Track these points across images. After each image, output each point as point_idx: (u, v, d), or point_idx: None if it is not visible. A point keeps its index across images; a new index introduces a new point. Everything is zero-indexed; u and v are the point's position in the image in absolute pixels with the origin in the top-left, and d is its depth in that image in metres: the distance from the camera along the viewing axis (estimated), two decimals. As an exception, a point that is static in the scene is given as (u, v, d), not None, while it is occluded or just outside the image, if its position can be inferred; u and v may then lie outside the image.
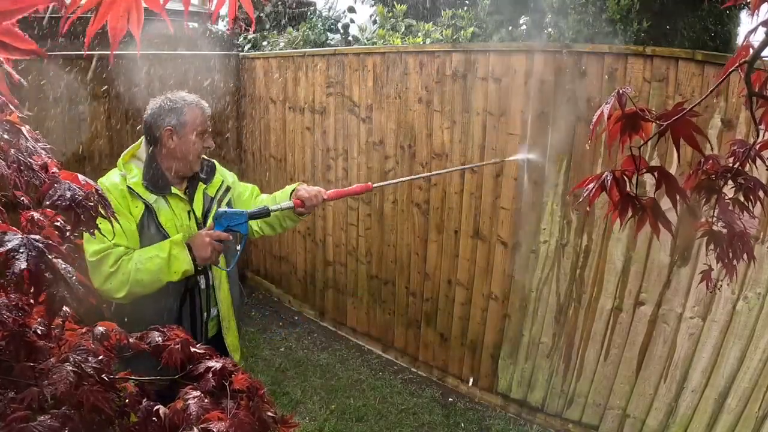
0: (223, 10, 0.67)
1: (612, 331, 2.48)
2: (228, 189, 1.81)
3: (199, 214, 1.71)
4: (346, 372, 3.27)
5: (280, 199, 1.77)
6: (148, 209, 1.59)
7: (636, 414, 2.48)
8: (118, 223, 1.39)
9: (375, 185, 1.86)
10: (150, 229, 1.59)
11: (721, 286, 1.08)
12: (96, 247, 1.49)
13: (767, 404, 2.10)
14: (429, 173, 2.81)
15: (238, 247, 1.67)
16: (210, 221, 1.67)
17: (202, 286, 1.73)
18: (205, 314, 1.76)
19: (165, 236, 1.59)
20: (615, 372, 2.51)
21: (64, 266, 0.65)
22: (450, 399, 3.06)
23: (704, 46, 3.17)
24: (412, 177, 2.62)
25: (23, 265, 0.60)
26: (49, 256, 0.64)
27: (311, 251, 3.81)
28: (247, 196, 1.88)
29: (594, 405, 2.61)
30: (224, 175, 1.85)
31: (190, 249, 1.55)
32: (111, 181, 1.60)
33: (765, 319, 2.07)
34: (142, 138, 1.71)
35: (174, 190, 1.65)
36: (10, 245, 0.62)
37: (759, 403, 2.11)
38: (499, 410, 2.95)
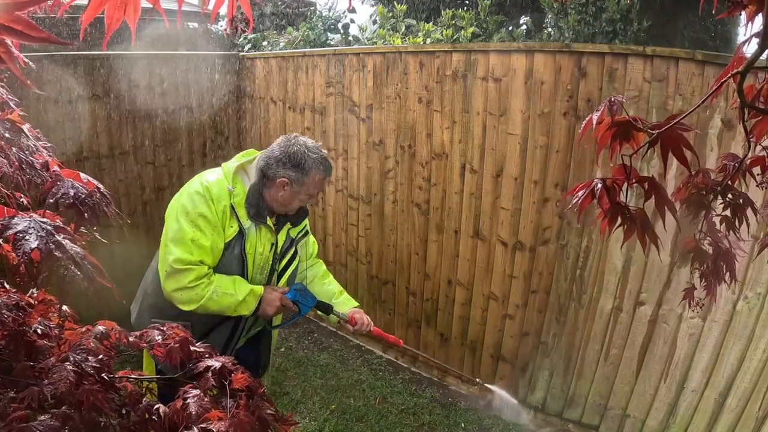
0: (222, 10, 0.67)
1: (612, 331, 2.48)
2: (306, 233, 1.91)
3: (279, 249, 1.78)
4: (346, 372, 3.27)
5: (341, 304, 1.93)
6: (240, 232, 1.64)
7: (636, 414, 2.48)
8: (203, 233, 1.56)
9: (405, 346, 2.21)
10: (234, 251, 1.64)
11: (703, 305, 1.08)
12: (183, 256, 1.55)
13: (767, 404, 2.10)
14: None
15: (292, 319, 1.87)
16: (283, 281, 1.81)
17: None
18: (245, 327, 1.83)
19: (244, 261, 1.66)
20: (615, 372, 2.51)
21: (72, 247, 0.66)
22: (450, 399, 3.06)
23: (704, 46, 3.17)
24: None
25: (33, 245, 0.61)
26: (58, 237, 0.64)
27: (311, 251, 3.81)
28: (309, 251, 1.98)
29: (594, 405, 2.61)
30: (306, 220, 1.92)
31: (260, 300, 1.66)
32: (219, 190, 1.62)
33: (765, 319, 2.07)
34: (255, 153, 1.73)
35: (268, 222, 1.70)
36: (19, 227, 0.62)
37: (759, 403, 2.11)
38: (480, 405, 2.94)
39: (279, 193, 1.65)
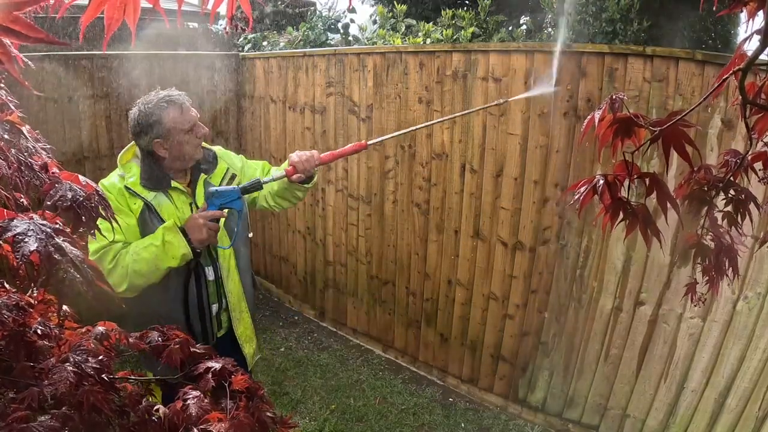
0: (222, 9, 0.67)
1: (612, 331, 2.48)
2: (233, 176, 1.77)
3: (201, 204, 1.66)
4: (346, 372, 3.27)
5: (272, 172, 1.79)
6: (147, 206, 1.59)
7: (636, 414, 2.48)
8: (116, 222, 1.39)
9: (369, 143, 1.78)
10: (153, 225, 1.58)
11: (705, 300, 1.08)
12: (95, 246, 1.50)
13: (767, 404, 2.10)
14: (429, 123, 2.66)
15: (237, 224, 1.67)
16: (201, 203, 1.65)
17: (210, 277, 1.72)
18: (215, 306, 1.76)
19: None
20: (615, 372, 2.51)
21: (72, 249, 0.65)
22: (450, 399, 3.06)
23: (704, 46, 3.17)
24: (409, 130, 2.33)
25: (33, 247, 0.61)
26: (57, 240, 0.64)
27: (311, 251, 3.81)
28: (258, 175, 1.84)
29: (594, 405, 2.61)
30: (230, 160, 1.81)
31: (185, 233, 1.54)
32: (110, 181, 1.61)
33: (765, 319, 2.07)
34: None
35: (174, 183, 1.64)
36: (18, 229, 0.62)
37: (759, 403, 2.11)
38: (499, 410, 2.95)
39: (165, 154, 1.60)
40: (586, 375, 2.60)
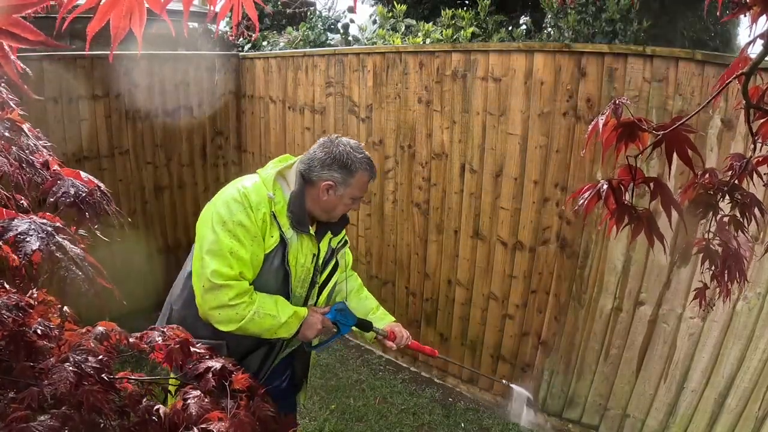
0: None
1: (612, 331, 2.48)
2: (345, 243, 1.80)
3: (320, 260, 1.66)
4: (346, 372, 3.27)
5: (378, 319, 1.84)
6: (282, 242, 1.52)
7: (636, 414, 2.48)
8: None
9: (440, 356, 2.16)
10: (273, 263, 1.52)
11: (714, 304, 1.08)
12: (222, 270, 1.42)
13: (767, 404, 2.10)
14: None
15: (330, 339, 1.75)
16: (324, 296, 1.72)
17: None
18: (281, 348, 1.73)
19: (287, 274, 1.55)
20: (615, 372, 2.51)
21: (73, 248, 0.65)
22: (450, 399, 3.06)
23: (704, 46, 3.17)
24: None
25: (35, 246, 0.61)
26: (58, 238, 0.64)
27: (311, 251, 3.80)
28: (345, 262, 1.88)
29: (594, 405, 2.61)
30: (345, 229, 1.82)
31: (301, 324, 1.55)
32: (259, 197, 1.49)
33: (765, 319, 2.07)
34: (291, 159, 1.62)
35: (311, 230, 1.58)
36: (20, 229, 0.62)
37: (759, 403, 2.11)
38: (499, 410, 2.94)
39: (323, 198, 1.54)
40: (586, 375, 2.60)
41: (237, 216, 1.45)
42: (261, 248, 1.48)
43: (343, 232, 1.76)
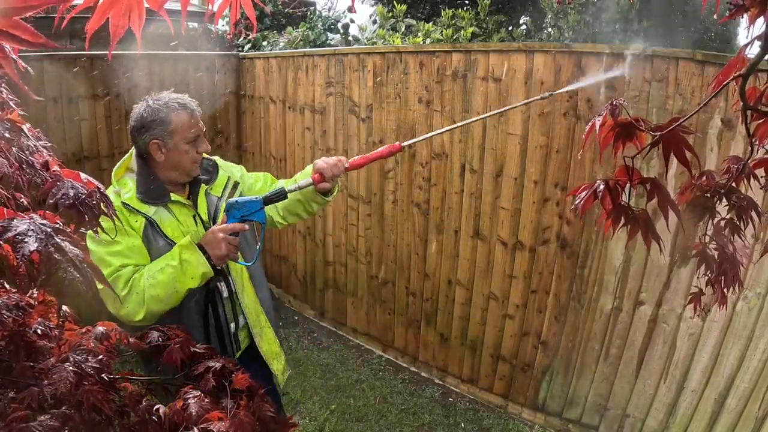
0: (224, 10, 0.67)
1: (612, 331, 2.48)
2: (236, 185, 1.69)
3: (205, 217, 1.59)
4: (346, 372, 3.27)
5: (299, 177, 1.66)
6: (149, 222, 1.48)
7: (636, 414, 2.48)
8: (119, 220, 1.32)
9: (404, 144, 1.62)
10: (158, 242, 1.47)
11: (710, 310, 1.08)
12: (105, 272, 1.36)
13: (767, 404, 2.10)
14: (471, 120, 2.49)
15: (260, 243, 1.56)
16: (221, 216, 1.54)
17: (224, 294, 1.61)
18: (233, 324, 1.65)
19: (173, 246, 1.47)
20: (615, 372, 2.51)
21: (72, 249, 0.65)
22: (450, 399, 3.06)
23: (704, 46, 3.18)
24: (449, 128, 2.34)
25: (33, 247, 0.61)
26: (57, 240, 0.64)
27: (311, 251, 3.81)
28: (261, 186, 1.75)
29: (594, 405, 2.61)
30: (230, 170, 1.72)
31: (203, 250, 1.42)
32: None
33: (765, 319, 2.07)
34: (133, 149, 1.58)
35: (174, 197, 1.53)
36: (18, 229, 0.62)
37: (759, 403, 2.11)
38: (499, 410, 2.95)
39: (161, 159, 1.49)
40: (586, 375, 2.60)
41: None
42: (132, 236, 1.45)
43: (224, 176, 1.67)
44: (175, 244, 1.46)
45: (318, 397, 3.00)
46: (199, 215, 1.58)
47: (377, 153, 1.59)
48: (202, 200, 1.60)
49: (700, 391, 2.27)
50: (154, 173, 1.53)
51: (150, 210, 1.48)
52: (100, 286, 1.33)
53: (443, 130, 2.21)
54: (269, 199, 1.49)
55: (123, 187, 1.51)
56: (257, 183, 1.77)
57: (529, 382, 2.82)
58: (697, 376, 2.27)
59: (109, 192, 1.50)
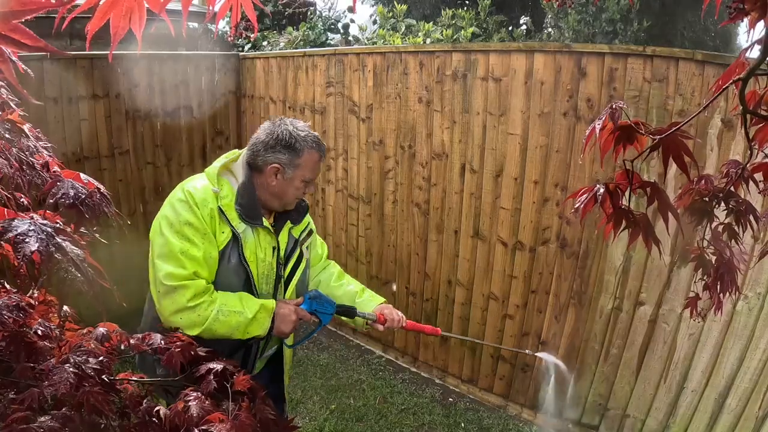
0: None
1: (612, 331, 2.48)
2: (311, 233, 1.69)
3: (282, 252, 1.58)
4: (346, 372, 3.27)
5: (364, 302, 1.70)
6: (235, 237, 1.44)
7: (636, 414, 2.48)
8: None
9: (444, 333, 1.88)
10: (231, 260, 1.44)
11: (706, 315, 1.08)
12: (174, 271, 1.35)
13: (767, 404, 2.10)
14: None
15: (311, 334, 1.67)
16: (291, 288, 1.60)
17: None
18: (259, 350, 1.64)
19: (246, 270, 1.47)
20: (615, 372, 2.51)
21: (72, 249, 0.65)
22: (450, 399, 3.06)
23: (704, 46, 3.18)
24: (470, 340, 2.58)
25: (34, 247, 0.61)
26: (58, 239, 0.64)
27: (311, 251, 3.80)
28: (315, 254, 1.77)
29: (594, 405, 2.61)
30: (308, 217, 1.72)
31: (273, 318, 1.44)
32: (204, 193, 1.43)
33: (765, 319, 2.07)
34: (238, 152, 1.56)
35: (265, 222, 1.51)
36: (19, 229, 0.62)
37: (759, 403, 2.11)
38: (499, 410, 2.95)
39: (271, 183, 1.47)
40: (586, 375, 2.60)
41: (183, 215, 1.39)
42: (213, 246, 1.41)
43: (306, 221, 1.67)
44: (247, 267, 1.46)
45: (318, 397, 3.00)
46: (278, 248, 1.56)
47: (422, 327, 1.80)
48: (284, 235, 1.59)
49: (700, 391, 2.27)
50: (256, 191, 1.49)
51: (240, 227, 1.45)
52: (166, 281, 1.32)
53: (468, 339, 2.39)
54: (341, 311, 1.59)
55: (222, 189, 1.46)
56: (317, 246, 1.80)
57: (529, 382, 2.82)
58: (697, 376, 2.27)
59: (205, 186, 1.45)
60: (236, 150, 1.58)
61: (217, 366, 0.79)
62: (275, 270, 1.56)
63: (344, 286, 1.77)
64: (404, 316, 1.70)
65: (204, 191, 1.43)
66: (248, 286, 1.49)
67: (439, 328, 1.86)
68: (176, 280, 1.34)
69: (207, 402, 0.73)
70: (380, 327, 1.65)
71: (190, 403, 0.72)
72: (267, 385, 1.67)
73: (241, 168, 1.50)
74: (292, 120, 1.53)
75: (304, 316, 1.51)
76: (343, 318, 1.64)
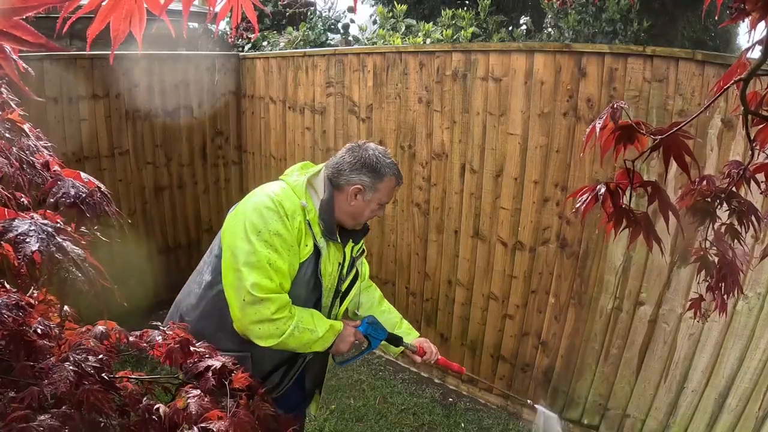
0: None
1: (612, 331, 2.48)
2: (363, 252, 1.76)
3: (345, 268, 1.64)
4: (346, 372, 3.27)
5: (404, 333, 1.78)
6: (316, 252, 1.49)
7: (636, 414, 2.48)
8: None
9: (468, 373, 2.00)
10: (307, 272, 1.49)
11: (709, 315, 1.08)
12: (262, 282, 1.37)
13: (767, 404, 2.10)
14: None
15: (360, 354, 1.74)
16: (346, 302, 1.70)
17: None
18: (302, 361, 1.69)
19: (318, 282, 1.52)
20: (615, 372, 2.51)
21: (73, 248, 0.65)
22: (450, 399, 3.06)
23: (704, 46, 3.18)
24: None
25: (34, 247, 0.61)
26: (59, 239, 0.64)
27: (311, 251, 3.80)
28: (362, 272, 1.82)
29: (594, 405, 2.61)
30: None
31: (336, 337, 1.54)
32: (293, 205, 1.45)
33: (765, 319, 2.07)
34: (315, 166, 1.59)
35: (338, 238, 1.56)
36: (20, 229, 0.62)
37: (759, 403, 2.11)
38: (499, 410, 2.95)
39: (351, 203, 1.51)
40: (586, 375, 2.60)
41: (273, 225, 1.40)
42: (297, 258, 1.44)
43: (362, 243, 1.73)
44: (320, 280, 1.52)
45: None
46: (343, 264, 1.62)
47: (451, 364, 1.85)
48: (347, 250, 1.65)
49: (701, 391, 2.27)
50: (334, 207, 1.53)
51: (322, 241, 1.50)
52: (254, 291, 1.36)
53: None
54: (391, 339, 1.69)
55: (308, 203, 1.49)
56: (363, 263, 1.84)
57: (529, 382, 2.82)
58: (698, 376, 2.27)
59: (292, 198, 1.47)
60: (310, 162, 1.63)
61: (216, 363, 0.79)
62: (336, 284, 1.63)
63: (385, 314, 1.84)
64: (437, 351, 1.78)
65: (292, 202, 1.46)
66: (315, 297, 1.56)
67: (464, 367, 1.93)
68: (263, 292, 1.36)
69: (206, 399, 0.73)
70: (418, 359, 1.74)
71: (189, 401, 0.72)
72: (296, 394, 1.73)
73: (321, 183, 1.54)
74: (375, 146, 1.56)
75: (360, 338, 1.60)
76: (385, 343, 1.71)
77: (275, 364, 1.59)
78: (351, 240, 1.64)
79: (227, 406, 0.73)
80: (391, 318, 1.83)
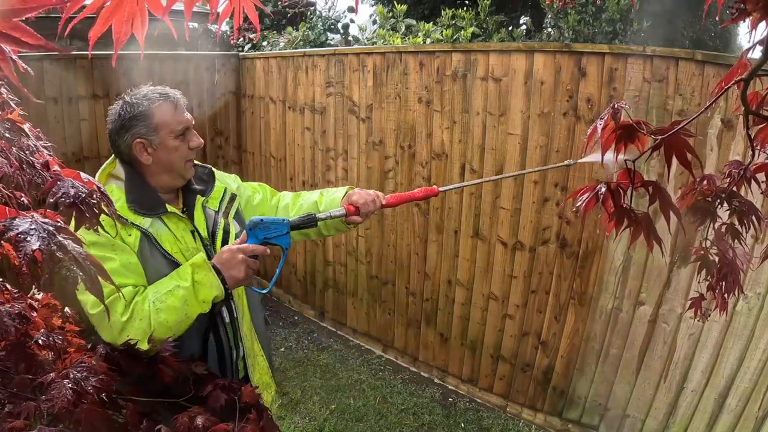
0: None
1: (612, 331, 2.48)
2: (233, 197, 1.52)
3: (204, 233, 1.42)
4: (346, 372, 3.27)
5: (327, 203, 1.50)
6: (145, 235, 1.30)
7: (636, 414, 2.48)
8: (121, 220, 1.18)
9: (441, 189, 1.51)
10: (155, 260, 1.30)
11: (710, 315, 1.08)
12: (91, 297, 1.15)
13: (767, 404, 2.10)
14: (507, 175, 2.57)
15: (280, 267, 1.40)
16: (220, 233, 1.42)
17: (226, 319, 1.44)
18: (234, 353, 1.48)
19: (176, 265, 1.31)
20: (615, 372, 2.51)
21: (74, 247, 0.65)
22: (450, 399, 3.06)
23: (704, 46, 3.17)
24: (484, 180, 2.54)
25: (35, 246, 0.60)
26: (59, 238, 0.64)
27: (311, 251, 3.81)
28: (261, 199, 1.59)
29: (594, 405, 2.61)
30: (225, 181, 1.55)
31: (217, 270, 1.26)
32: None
33: (765, 319, 2.07)
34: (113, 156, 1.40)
35: (170, 208, 1.36)
36: (20, 228, 0.62)
37: (759, 403, 2.12)
38: (498, 410, 2.95)
39: (148, 161, 1.32)
40: (586, 375, 2.61)
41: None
42: (126, 252, 1.27)
43: (218, 187, 1.50)
44: (175, 261, 1.31)
45: (318, 397, 3.00)
46: (197, 230, 1.40)
47: (412, 194, 1.50)
48: (199, 214, 1.43)
49: (700, 391, 2.27)
50: (144, 179, 1.35)
51: (145, 222, 1.31)
52: (93, 311, 1.17)
53: (476, 182, 2.53)
54: (296, 225, 1.36)
55: (112, 195, 1.30)
56: (255, 195, 1.61)
57: (529, 382, 2.82)
58: (697, 376, 2.27)
59: None
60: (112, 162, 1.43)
61: (223, 382, 0.78)
62: (207, 254, 1.38)
63: (303, 202, 1.57)
64: (381, 193, 1.46)
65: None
66: None
67: (436, 187, 1.52)
68: (99, 304, 1.16)
69: (212, 419, 0.71)
70: (357, 219, 1.42)
71: (196, 418, 0.70)
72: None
73: (119, 167, 1.38)
74: (130, 90, 1.39)
75: (255, 250, 1.30)
76: (306, 231, 1.44)
77: (201, 337, 1.37)
78: (198, 195, 1.45)
79: (236, 421, 0.72)
80: (310, 198, 1.57)
